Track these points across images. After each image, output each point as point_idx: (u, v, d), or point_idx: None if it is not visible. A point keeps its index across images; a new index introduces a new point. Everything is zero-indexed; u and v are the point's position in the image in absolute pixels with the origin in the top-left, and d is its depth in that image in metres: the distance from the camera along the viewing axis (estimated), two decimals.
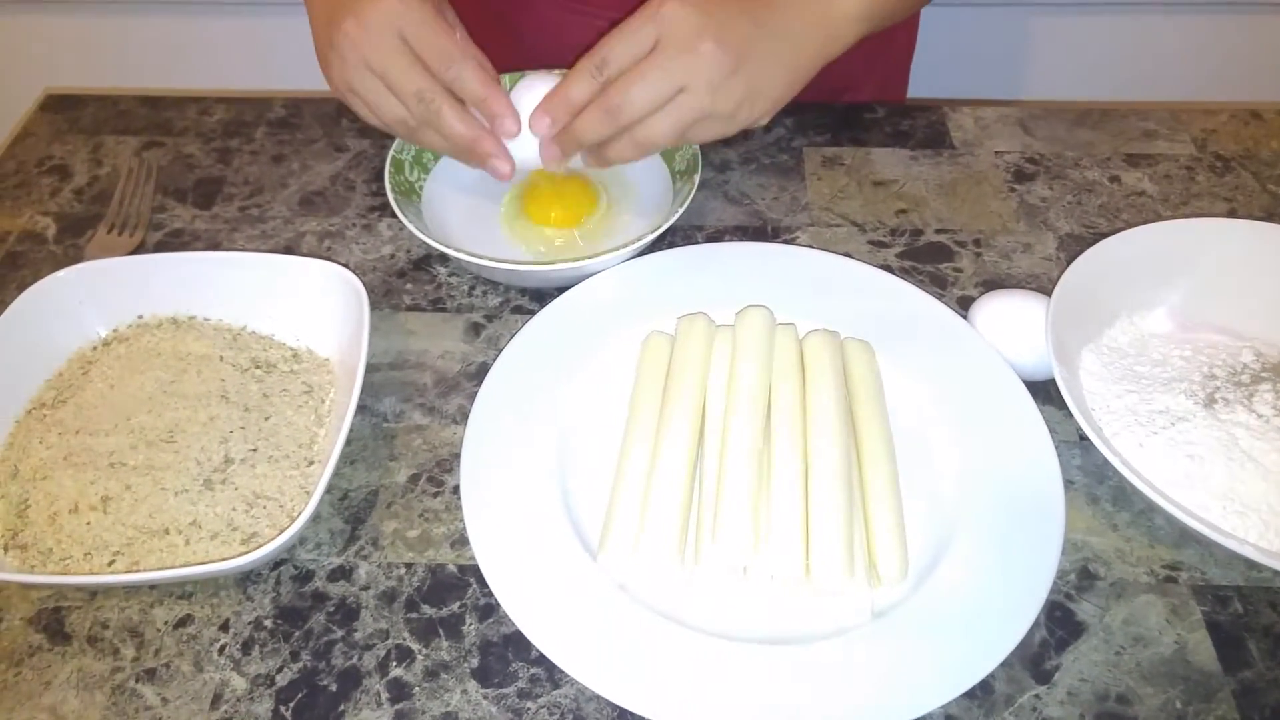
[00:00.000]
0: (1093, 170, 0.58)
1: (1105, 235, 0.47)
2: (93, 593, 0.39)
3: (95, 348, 0.46)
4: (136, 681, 0.37)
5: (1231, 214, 0.55)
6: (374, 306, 0.50)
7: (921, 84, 0.71)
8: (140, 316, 0.47)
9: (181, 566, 0.38)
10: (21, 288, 0.45)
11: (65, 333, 0.46)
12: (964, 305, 0.50)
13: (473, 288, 0.52)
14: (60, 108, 0.64)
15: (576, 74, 0.45)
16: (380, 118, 0.46)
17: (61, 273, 0.45)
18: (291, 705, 0.36)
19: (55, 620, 0.39)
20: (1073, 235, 0.54)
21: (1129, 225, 0.49)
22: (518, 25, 0.65)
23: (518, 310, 0.51)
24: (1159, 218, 0.49)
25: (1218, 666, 0.37)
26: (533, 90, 0.47)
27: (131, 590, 0.39)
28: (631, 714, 0.35)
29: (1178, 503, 0.37)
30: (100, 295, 0.46)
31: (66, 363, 0.45)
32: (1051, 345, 0.41)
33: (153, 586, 0.39)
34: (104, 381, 0.44)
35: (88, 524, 0.39)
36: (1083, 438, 0.42)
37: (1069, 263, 0.45)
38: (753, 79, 0.44)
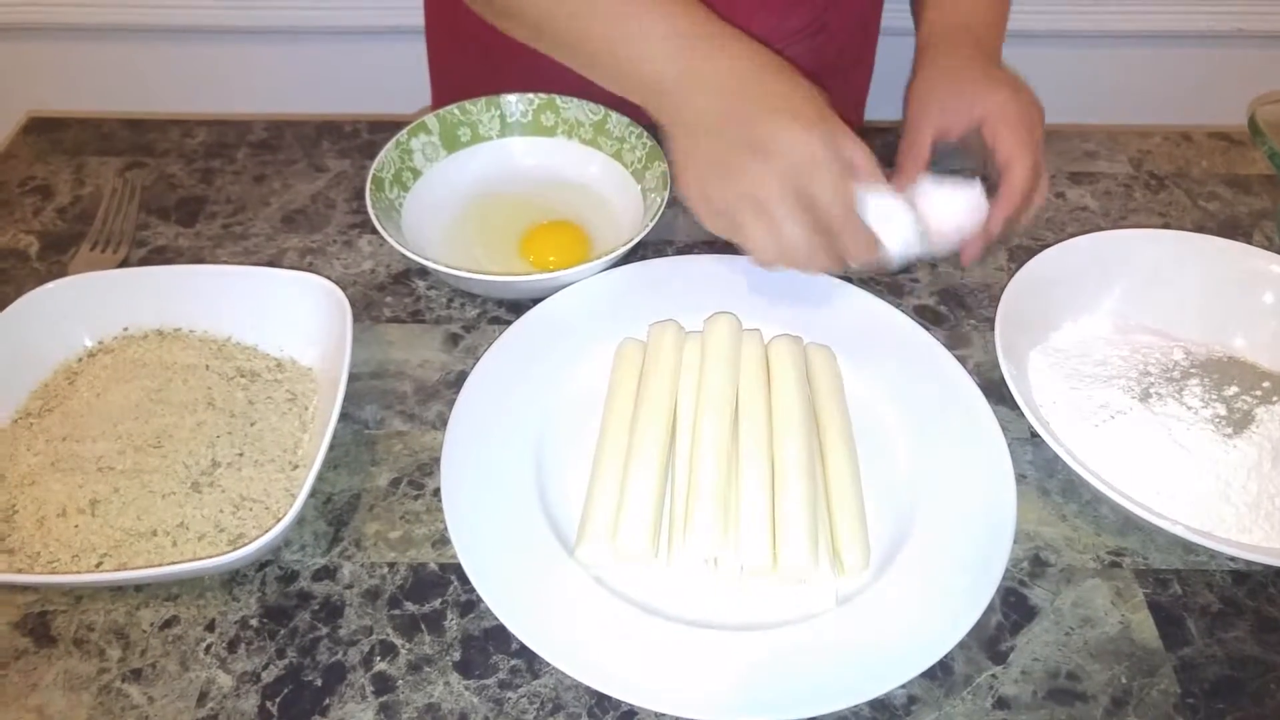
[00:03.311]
0: None
1: (1052, 246, 0.50)
2: (79, 596, 0.40)
3: (81, 359, 0.47)
4: (123, 681, 0.37)
5: (1165, 227, 0.59)
6: (354, 319, 0.51)
7: (877, 112, 0.75)
8: (126, 329, 0.48)
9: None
10: (4, 304, 0.46)
11: (51, 344, 0.46)
12: (920, 313, 0.52)
13: (451, 300, 0.54)
14: (43, 130, 0.65)
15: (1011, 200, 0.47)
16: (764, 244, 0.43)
17: (50, 285, 0.46)
18: (278, 701, 0.37)
19: (41, 624, 0.39)
20: (1022, 247, 0.57)
21: (1073, 238, 0.52)
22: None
23: (495, 321, 0.53)
24: (1099, 230, 0.52)
25: (1159, 644, 0.40)
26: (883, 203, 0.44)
27: (117, 593, 0.40)
28: (609, 699, 0.37)
29: (1119, 490, 0.39)
30: (86, 308, 0.47)
31: (52, 374, 0.46)
32: (1000, 347, 0.44)
33: (139, 589, 0.40)
34: (90, 391, 0.45)
35: (75, 527, 0.39)
36: (1033, 435, 0.45)
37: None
38: None
